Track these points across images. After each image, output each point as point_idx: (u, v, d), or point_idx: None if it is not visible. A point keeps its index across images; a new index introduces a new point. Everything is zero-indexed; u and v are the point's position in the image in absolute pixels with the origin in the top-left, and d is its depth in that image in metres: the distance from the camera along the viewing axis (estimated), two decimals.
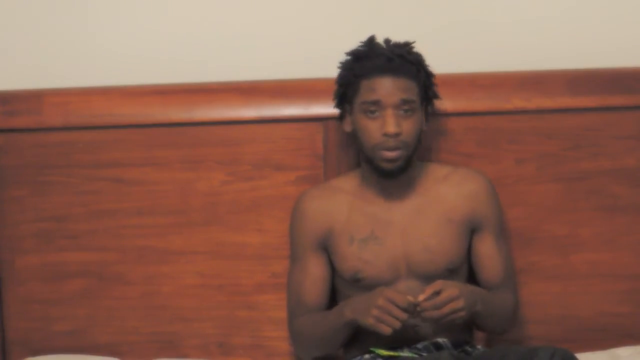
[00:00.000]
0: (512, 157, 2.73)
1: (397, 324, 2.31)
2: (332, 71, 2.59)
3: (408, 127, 2.45)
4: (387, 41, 2.51)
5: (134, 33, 2.81)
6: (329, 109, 2.65)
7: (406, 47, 2.50)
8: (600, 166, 2.73)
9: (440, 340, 2.46)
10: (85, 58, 2.81)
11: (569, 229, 2.74)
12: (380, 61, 2.46)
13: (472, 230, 2.56)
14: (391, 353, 2.44)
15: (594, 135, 2.73)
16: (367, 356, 2.48)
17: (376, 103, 2.44)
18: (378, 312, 2.32)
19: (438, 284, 2.34)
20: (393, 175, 2.48)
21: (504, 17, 2.81)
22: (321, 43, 2.78)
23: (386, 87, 2.44)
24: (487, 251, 2.56)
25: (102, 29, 2.81)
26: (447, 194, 2.54)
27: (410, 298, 2.33)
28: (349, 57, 2.52)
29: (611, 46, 2.81)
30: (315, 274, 2.55)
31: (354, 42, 2.76)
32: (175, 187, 2.72)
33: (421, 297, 2.32)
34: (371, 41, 2.51)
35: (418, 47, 2.54)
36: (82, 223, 2.73)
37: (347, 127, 2.54)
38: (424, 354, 2.43)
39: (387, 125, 2.43)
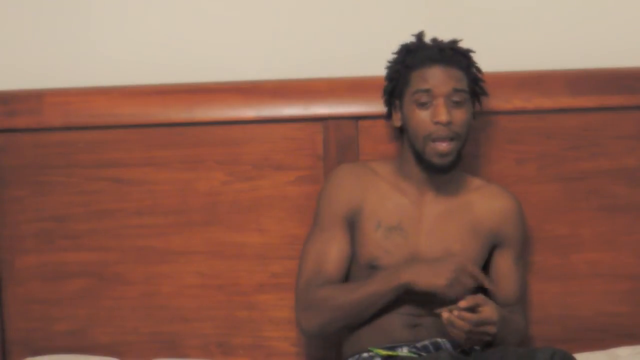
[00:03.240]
0: (512, 157, 2.73)
1: (462, 292, 2.37)
2: (332, 71, 2.59)
3: (459, 116, 2.45)
4: (434, 39, 2.54)
5: (134, 33, 2.81)
6: (328, 109, 2.65)
7: (454, 42, 2.53)
8: (600, 166, 2.73)
9: (439, 340, 2.46)
10: (86, 58, 2.81)
11: (569, 229, 2.74)
12: (431, 52, 2.48)
13: (494, 246, 2.56)
14: (390, 353, 2.44)
15: (593, 135, 2.73)
16: (365, 355, 2.48)
17: (428, 92, 2.45)
18: (455, 276, 2.37)
19: (480, 299, 2.34)
20: (444, 170, 2.48)
21: (504, 17, 2.81)
22: (321, 43, 2.78)
23: (438, 76, 2.45)
24: (505, 269, 2.57)
25: (102, 29, 2.81)
26: (477, 205, 2.54)
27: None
28: (398, 52, 2.53)
29: (611, 46, 2.81)
30: (342, 245, 2.52)
31: (354, 42, 2.77)
32: (175, 187, 2.73)
33: (463, 304, 2.31)
34: (420, 36, 2.54)
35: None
36: (82, 223, 2.73)
37: (397, 122, 2.54)
38: (423, 354, 2.43)
39: (439, 113, 2.43)
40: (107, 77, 2.78)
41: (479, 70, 2.55)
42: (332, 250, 2.52)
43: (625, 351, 2.64)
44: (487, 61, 2.76)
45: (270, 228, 2.72)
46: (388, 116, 2.58)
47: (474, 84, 2.53)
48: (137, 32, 2.81)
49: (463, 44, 2.53)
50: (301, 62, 2.79)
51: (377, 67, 2.68)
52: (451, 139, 2.45)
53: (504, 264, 2.57)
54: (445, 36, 2.55)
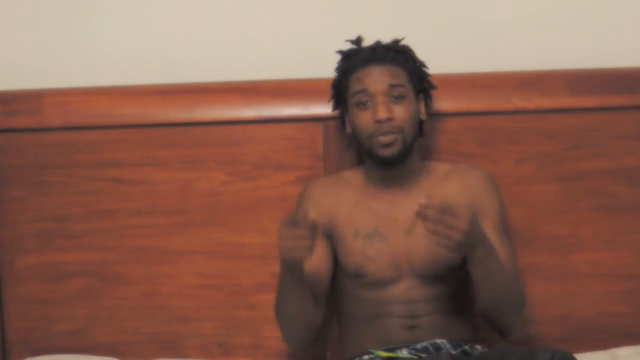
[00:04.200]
0: (512, 157, 2.73)
1: (307, 244, 2.26)
2: (332, 71, 2.59)
3: (400, 112, 2.46)
4: (376, 41, 2.55)
5: (134, 33, 2.81)
6: (328, 109, 2.65)
7: (393, 42, 2.54)
8: (600, 166, 2.73)
9: (439, 341, 2.46)
10: (86, 58, 2.81)
11: (569, 229, 2.74)
12: (365, 53, 2.51)
13: None
14: (390, 354, 2.44)
15: (593, 135, 2.73)
16: (366, 357, 2.48)
17: (365, 92, 2.47)
18: (283, 243, 2.28)
19: (447, 205, 2.23)
20: (392, 162, 2.48)
21: (504, 17, 2.81)
22: (321, 43, 2.78)
23: (372, 76, 2.47)
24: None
25: (102, 29, 2.81)
26: (448, 192, 2.54)
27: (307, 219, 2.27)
28: (339, 60, 2.56)
29: (611, 46, 2.81)
30: (316, 257, 2.50)
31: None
32: (175, 187, 2.73)
33: (422, 201, 2.23)
34: (357, 39, 2.56)
35: (418, 47, 2.55)
36: (82, 223, 2.73)
37: (348, 128, 2.56)
38: (423, 355, 2.43)
39: (377, 111, 2.45)
40: (107, 77, 2.78)
41: (421, 64, 2.55)
42: (309, 266, 2.48)
43: (626, 351, 2.64)
44: (487, 61, 2.77)
45: (270, 228, 2.72)
46: (342, 123, 2.59)
47: (417, 79, 2.52)
48: (137, 32, 2.81)
49: (463, 44, 2.53)
50: (301, 62, 2.79)
51: None
52: (394, 133, 2.45)
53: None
54: (445, 37, 2.56)
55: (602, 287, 2.75)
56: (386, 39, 2.55)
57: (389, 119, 2.44)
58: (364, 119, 2.47)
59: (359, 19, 2.80)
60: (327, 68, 2.62)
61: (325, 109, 2.68)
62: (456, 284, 2.53)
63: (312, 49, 2.79)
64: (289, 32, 2.81)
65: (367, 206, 2.54)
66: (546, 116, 2.72)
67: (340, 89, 2.55)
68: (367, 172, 2.57)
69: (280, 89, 2.72)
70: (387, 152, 2.47)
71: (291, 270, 2.37)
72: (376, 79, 2.47)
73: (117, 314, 2.75)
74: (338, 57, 2.56)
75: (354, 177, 2.60)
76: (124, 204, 2.73)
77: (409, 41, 2.56)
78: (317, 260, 2.52)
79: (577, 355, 2.31)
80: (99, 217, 2.73)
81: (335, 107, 2.59)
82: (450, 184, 2.55)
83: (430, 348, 2.45)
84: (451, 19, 2.79)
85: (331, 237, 2.55)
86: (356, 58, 2.51)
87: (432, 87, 2.57)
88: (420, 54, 2.56)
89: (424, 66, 2.55)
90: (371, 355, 2.46)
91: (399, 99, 2.47)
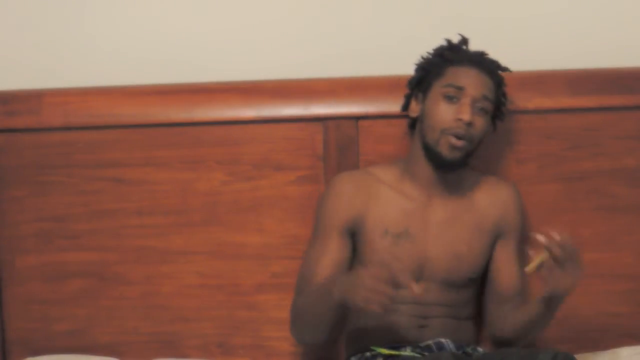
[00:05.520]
0: (512, 157, 2.73)
1: (387, 301, 2.21)
2: (332, 71, 2.59)
3: (479, 123, 2.46)
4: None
5: (134, 33, 2.81)
6: (328, 109, 2.65)
7: (495, 61, 2.56)
8: (600, 166, 2.73)
9: (443, 340, 2.46)
10: (85, 58, 2.81)
11: (569, 229, 2.73)
12: (473, 54, 2.52)
13: (496, 238, 2.56)
14: (392, 352, 2.44)
15: (593, 135, 2.73)
16: (368, 354, 2.48)
17: (460, 89, 2.46)
18: (366, 292, 2.22)
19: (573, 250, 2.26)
20: (450, 166, 2.47)
21: (504, 17, 2.81)
22: (321, 43, 2.78)
23: (473, 78, 2.48)
24: (506, 259, 2.56)
25: (102, 29, 2.81)
26: (479, 201, 2.55)
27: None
28: (439, 47, 2.55)
29: (611, 46, 2.81)
30: (335, 256, 2.50)
31: (354, 41, 2.77)
32: (175, 187, 2.73)
33: (557, 236, 2.25)
34: (464, 40, 2.57)
35: (418, 47, 2.56)
36: (82, 223, 2.73)
37: (414, 113, 2.54)
38: (426, 354, 2.43)
39: (463, 111, 2.44)
40: (107, 77, 2.78)
41: (504, 95, 2.57)
42: (324, 261, 2.50)
43: (626, 351, 2.64)
44: None
45: (271, 228, 2.72)
46: (405, 107, 2.57)
47: (499, 102, 2.54)
48: (137, 32, 2.81)
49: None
50: (301, 62, 2.78)
51: (377, 67, 2.68)
52: (466, 139, 2.45)
53: (505, 254, 2.56)
54: (446, 35, 2.55)
55: (602, 287, 2.75)
56: (386, 38, 2.55)
57: (470, 123, 2.44)
58: (446, 112, 2.45)
59: (359, 19, 2.80)
60: (327, 68, 2.62)
61: (325, 109, 2.68)
62: (470, 293, 2.54)
63: (312, 49, 2.79)
64: (289, 32, 2.81)
65: (399, 205, 2.52)
66: (546, 116, 2.72)
67: (430, 73, 2.52)
68: (406, 170, 2.54)
69: (280, 89, 2.72)
70: (452, 155, 2.45)
71: (343, 305, 2.31)
72: (475, 83, 2.46)
73: (117, 314, 2.75)
74: (338, 57, 2.56)
75: (385, 174, 2.56)
76: (124, 204, 2.73)
77: (409, 41, 2.56)
78: (339, 262, 2.50)
79: (577, 356, 2.31)
80: (99, 217, 2.73)
81: (414, 85, 2.56)
82: (480, 193, 2.56)
83: (434, 347, 2.45)
84: (451, 18, 2.79)
85: (357, 234, 2.52)
86: (464, 54, 2.51)
87: (503, 117, 2.58)
88: (421, 53, 2.56)
89: (506, 97, 2.58)
90: (373, 353, 2.46)
91: (482, 111, 2.47)
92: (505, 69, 2.56)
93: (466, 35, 2.57)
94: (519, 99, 2.71)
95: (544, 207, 2.73)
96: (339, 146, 2.70)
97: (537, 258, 2.27)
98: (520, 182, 2.71)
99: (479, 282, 2.57)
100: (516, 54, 2.79)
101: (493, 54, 2.68)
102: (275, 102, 2.71)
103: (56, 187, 2.72)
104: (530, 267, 2.27)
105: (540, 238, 2.25)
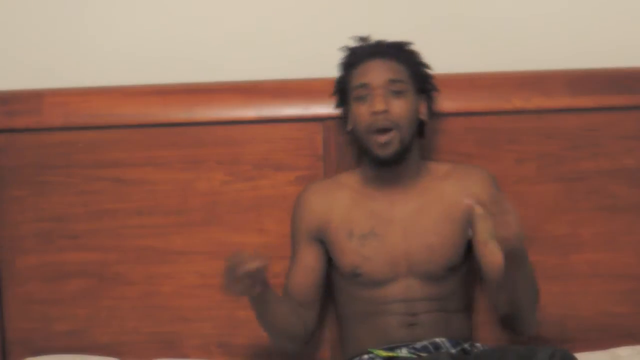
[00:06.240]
0: (512, 157, 2.73)
1: (249, 283, 2.29)
2: (332, 71, 2.59)
3: (397, 106, 2.47)
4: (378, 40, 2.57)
5: (134, 33, 2.81)
6: (328, 109, 2.65)
7: (398, 41, 2.55)
8: (599, 166, 2.73)
9: (438, 340, 2.46)
10: (85, 58, 2.81)
11: (569, 229, 2.74)
12: (367, 48, 2.53)
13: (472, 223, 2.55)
14: (389, 354, 2.44)
15: (593, 135, 2.73)
16: (365, 357, 2.48)
17: (365, 86, 2.48)
18: (233, 285, 2.30)
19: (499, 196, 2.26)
20: (389, 162, 2.49)
21: (504, 17, 2.81)
22: (321, 43, 2.78)
23: (373, 69, 2.49)
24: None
25: (102, 29, 2.81)
26: (448, 191, 2.54)
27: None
28: (343, 56, 2.57)
29: (611, 46, 2.81)
30: (305, 264, 2.56)
31: (354, 41, 2.76)
32: (175, 187, 2.73)
33: (467, 201, 2.25)
34: (364, 37, 2.57)
35: (418, 47, 2.56)
36: (82, 223, 2.73)
37: (349, 126, 2.56)
38: (423, 355, 2.43)
39: (374, 103, 2.46)
40: (107, 77, 2.78)
41: (422, 64, 2.56)
42: (295, 270, 2.57)
43: (626, 351, 2.65)
44: (487, 61, 2.77)
45: (270, 228, 2.72)
46: (344, 122, 2.60)
47: (418, 78, 2.53)
48: (137, 32, 2.81)
49: (463, 44, 2.54)
50: (301, 62, 2.79)
51: None
52: (390, 130, 2.46)
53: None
54: (445, 36, 2.56)
55: (602, 287, 2.75)
56: (387, 38, 2.55)
57: (385, 111, 2.45)
58: (362, 112, 2.48)
59: (359, 18, 2.80)
60: (327, 68, 2.62)
61: (325, 109, 2.68)
62: (455, 283, 2.54)
63: (312, 49, 2.79)
64: (289, 32, 2.81)
65: (363, 207, 2.54)
66: (546, 116, 2.72)
67: (344, 85, 2.55)
68: (364, 172, 2.58)
69: (281, 89, 2.72)
70: (384, 152, 2.47)
71: (251, 301, 2.40)
72: (376, 73, 2.48)
73: (117, 314, 2.74)
74: (339, 56, 2.57)
75: (350, 179, 2.60)
76: (124, 204, 2.73)
77: (409, 41, 2.55)
78: (307, 268, 2.56)
79: (577, 355, 2.31)
80: (99, 217, 2.73)
81: (338, 104, 2.59)
82: (449, 183, 2.56)
83: (430, 347, 2.45)
84: (451, 18, 2.79)
85: (324, 241, 2.56)
86: (359, 53, 2.53)
87: (434, 88, 2.57)
88: (421, 53, 2.56)
89: (428, 67, 2.56)
90: (371, 355, 2.46)
91: (398, 94, 2.48)
92: (408, 43, 2.54)
93: (466, 35, 2.57)
94: (518, 99, 2.71)
95: (544, 207, 2.73)
96: (339, 146, 2.71)
97: (481, 227, 2.25)
98: (520, 182, 2.72)
99: (464, 272, 2.56)
100: (516, 54, 2.80)
101: (493, 54, 2.69)
102: (275, 102, 2.72)
103: (56, 187, 2.72)
104: (486, 237, 2.26)
105: (468, 202, 2.24)
